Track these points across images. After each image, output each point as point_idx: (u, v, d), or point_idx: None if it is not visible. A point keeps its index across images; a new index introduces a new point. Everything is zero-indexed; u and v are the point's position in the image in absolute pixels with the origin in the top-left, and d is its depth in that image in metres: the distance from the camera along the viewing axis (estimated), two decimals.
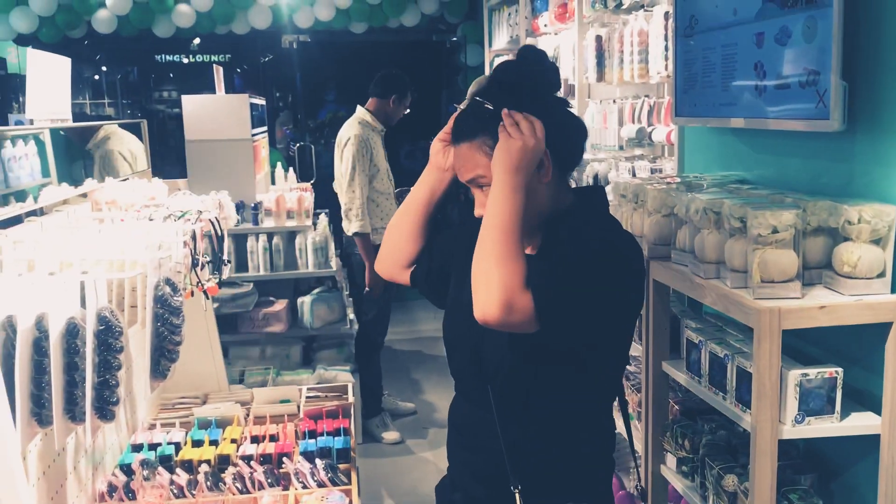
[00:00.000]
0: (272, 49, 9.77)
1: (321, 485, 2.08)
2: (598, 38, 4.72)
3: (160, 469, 2.07)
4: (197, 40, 10.08)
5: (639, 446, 3.13)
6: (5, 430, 1.10)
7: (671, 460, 2.95)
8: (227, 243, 2.15)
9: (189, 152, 4.89)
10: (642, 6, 4.19)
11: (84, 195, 2.06)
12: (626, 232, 1.85)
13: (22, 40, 7.56)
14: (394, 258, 1.93)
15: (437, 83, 9.14)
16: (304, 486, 2.07)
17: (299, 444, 2.27)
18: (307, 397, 2.66)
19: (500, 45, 7.17)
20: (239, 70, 13.91)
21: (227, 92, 5.30)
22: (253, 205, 4.85)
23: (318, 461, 2.13)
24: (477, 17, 7.92)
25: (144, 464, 2.10)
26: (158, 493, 1.93)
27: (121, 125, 2.79)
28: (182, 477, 2.04)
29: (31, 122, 1.91)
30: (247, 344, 4.86)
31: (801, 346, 2.57)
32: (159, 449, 2.21)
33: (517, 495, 1.60)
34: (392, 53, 9.18)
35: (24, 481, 1.14)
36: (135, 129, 2.51)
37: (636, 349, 3.12)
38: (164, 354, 1.62)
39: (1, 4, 7.03)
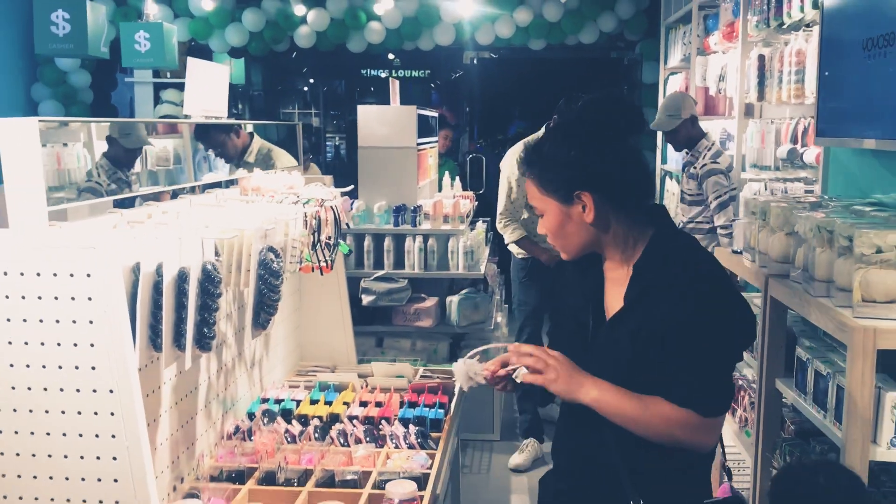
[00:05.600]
0: (458, 65, 10.21)
1: (412, 447, 2.33)
2: (761, 58, 4.67)
3: (279, 419, 2.41)
4: (390, 56, 10.70)
5: (751, 461, 3.15)
6: (127, 351, 1.44)
7: None
8: (344, 229, 2.45)
9: (361, 158, 5.34)
10: (806, 25, 4.13)
11: (235, 181, 2.45)
12: (711, 263, 1.85)
13: (234, 53, 8.44)
14: None
15: None
16: (397, 447, 2.33)
17: (400, 411, 2.53)
18: (421, 376, 2.92)
19: (673, 62, 7.17)
20: (433, 85, 14.60)
21: (421, 106, 5.71)
22: (413, 208, 5.21)
23: (412, 427, 2.38)
24: (656, 34, 7.93)
25: (266, 413, 2.45)
26: (273, 437, 2.27)
27: (266, 134, 3.08)
28: (296, 427, 2.36)
29: (188, 116, 2.29)
30: (400, 336, 5.22)
31: None
32: (282, 403, 2.56)
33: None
34: (570, 70, 9.36)
35: (140, 393, 1.47)
36: (291, 130, 2.85)
37: (754, 364, 3.13)
38: (263, 308, 1.94)
39: (217, 21, 7.90)
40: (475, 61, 8.73)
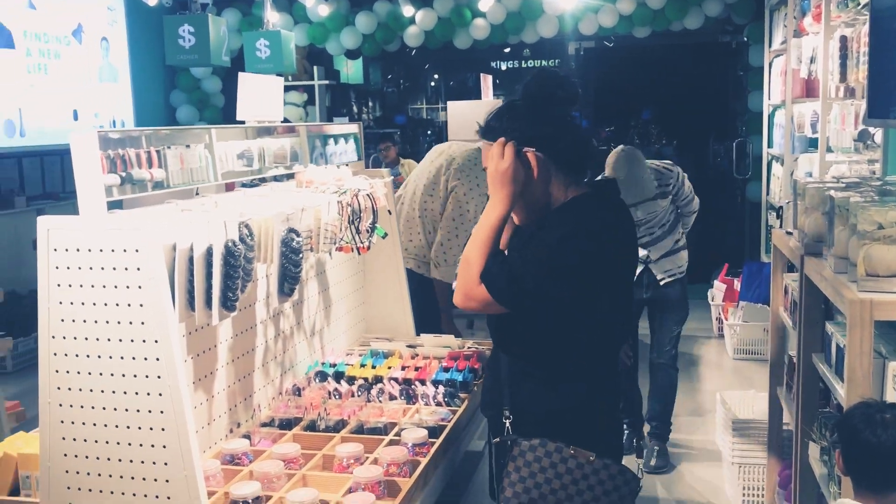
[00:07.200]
0: (562, 55, 10.37)
1: (439, 404, 2.64)
2: (843, 39, 4.65)
3: (330, 379, 2.78)
4: (505, 48, 10.98)
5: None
6: (167, 310, 1.84)
7: (814, 449, 3.05)
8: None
9: None
10: None
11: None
12: (602, 222, 2.09)
13: (349, 54, 8.97)
14: None
15: (724, 83, 9.11)
16: (426, 404, 2.65)
17: (434, 374, 2.84)
18: (468, 348, 3.22)
19: (776, 45, 7.08)
20: None
21: None
22: None
23: (441, 388, 2.69)
24: (763, 17, 7.82)
25: (319, 374, 2.83)
26: (320, 393, 2.64)
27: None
28: (343, 387, 2.72)
29: (244, 122, 2.69)
30: None
31: None
32: (336, 367, 2.93)
33: (507, 423, 2.03)
34: (679, 55, 9.33)
35: (178, 342, 1.86)
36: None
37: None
38: (287, 279, 2.30)
39: (333, 25, 8.44)
40: (582, 52, 8.85)
